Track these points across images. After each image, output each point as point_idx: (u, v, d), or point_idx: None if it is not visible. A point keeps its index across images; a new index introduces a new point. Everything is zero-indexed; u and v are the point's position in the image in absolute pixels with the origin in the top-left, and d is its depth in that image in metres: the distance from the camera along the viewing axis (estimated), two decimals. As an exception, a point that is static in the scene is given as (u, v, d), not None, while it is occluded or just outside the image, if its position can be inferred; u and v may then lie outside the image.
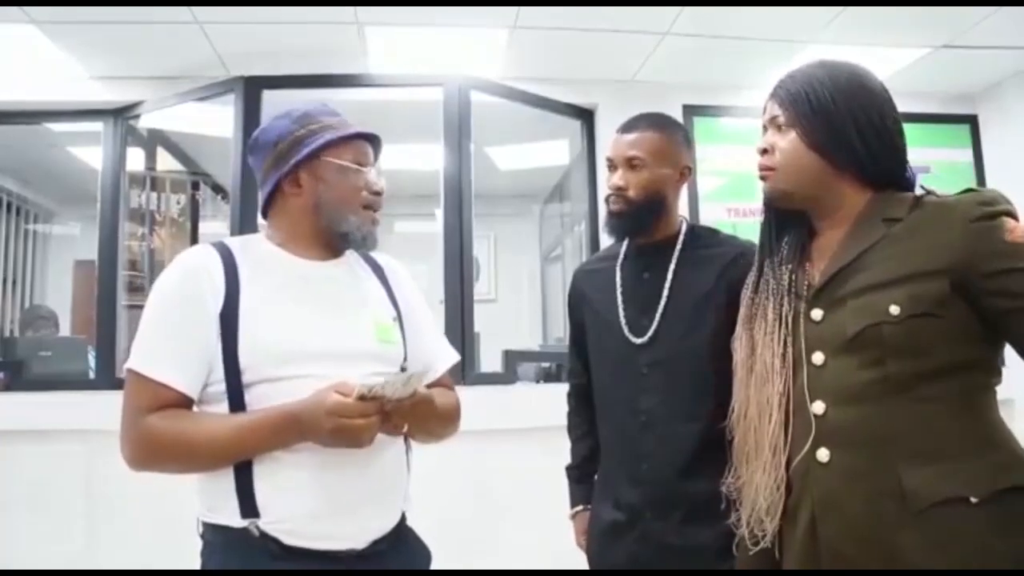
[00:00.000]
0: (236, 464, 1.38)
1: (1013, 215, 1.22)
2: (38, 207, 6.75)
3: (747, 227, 4.18)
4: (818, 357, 1.28)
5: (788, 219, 1.44)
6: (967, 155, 4.44)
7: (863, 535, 1.20)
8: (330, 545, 1.40)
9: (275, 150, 1.54)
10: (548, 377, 4.05)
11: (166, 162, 4.93)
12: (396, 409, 1.38)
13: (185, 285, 1.45)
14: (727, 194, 4.35)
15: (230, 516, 1.38)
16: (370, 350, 1.52)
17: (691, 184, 4.18)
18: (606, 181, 1.94)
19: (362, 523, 1.45)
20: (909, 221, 1.26)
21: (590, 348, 2.00)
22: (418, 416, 1.45)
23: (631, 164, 1.87)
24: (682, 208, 2.02)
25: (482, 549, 3.19)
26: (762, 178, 1.41)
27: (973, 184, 4.20)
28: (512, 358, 3.83)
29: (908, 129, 1.38)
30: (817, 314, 1.31)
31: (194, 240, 5.09)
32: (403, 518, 1.57)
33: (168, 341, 1.43)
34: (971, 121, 4.53)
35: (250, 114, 3.76)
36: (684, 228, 1.94)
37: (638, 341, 1.85)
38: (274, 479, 1.38)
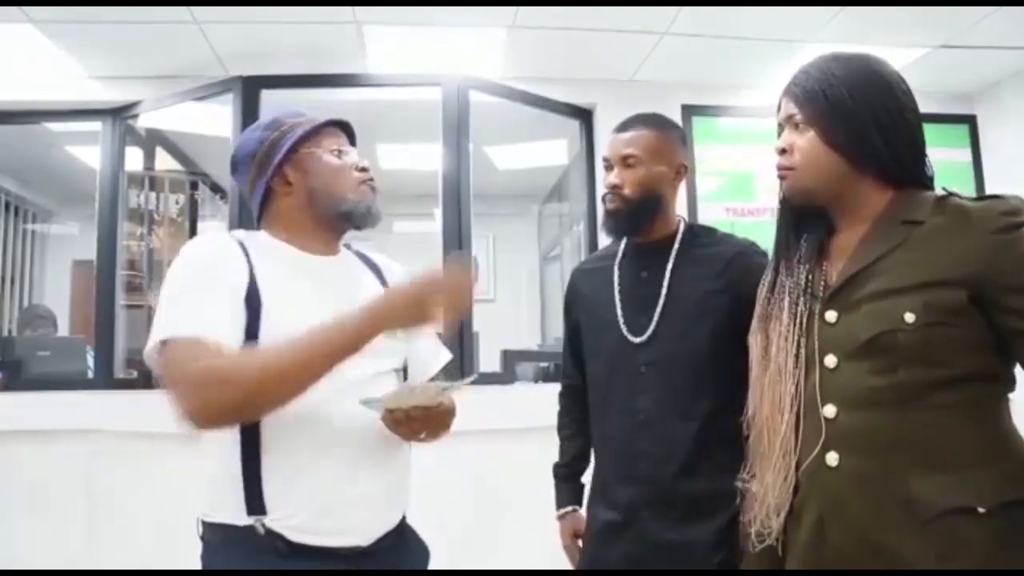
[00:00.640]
0: (244, 460, 1.37)
1: None
2: (37, 207, 6.75)
3: (746, 227, 4.18)
4: (831, 360, 1.27)
5: (806, 217, 1.41)
6: (966, 155, 4.44)
7: (869, 541, 1.19)
8: (335, 542, 1.41)
9: (255, 160, 1.57)
10: (547, 377, 4.05)
11: (165, 162, 4.93)
12: (419, 416, 1.40)
13: (214, 254, 1.44)
14: (726, 194, 4.36)
15: (235, 513, 1.38)
16: (377, 344, 1.53)
17: (689, 184, 4.19)
18: (603, 181, 1.94)
19: (369, 520, 1.46)
20: (929, 225, 1.23)
21: (587, 348, 2.00)
22: (438, 425, 1.48)
23: (626, 162, 1.87)
24: (680, 208, 2.03)
25: (481, 548, 3.18)
26: (781, 178, 1.38)
27: (971, 184, 4.22)
28: (511, 358, 3.83)
29: (907, 129, 1.37)
30: (832, 316, 1.29)
31: (192, 240, 5.08)
32: (403, 516, 1.58)
33: (200, 302, 1.36)
34: (970, 121, 4.53)
35: (249, 114, 3.76)
36: (682, 227, 1.95)
37: (636, 340, 1.85)
38: (283, 475, 1.38)
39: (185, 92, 3.94)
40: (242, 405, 1.29)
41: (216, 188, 5.39)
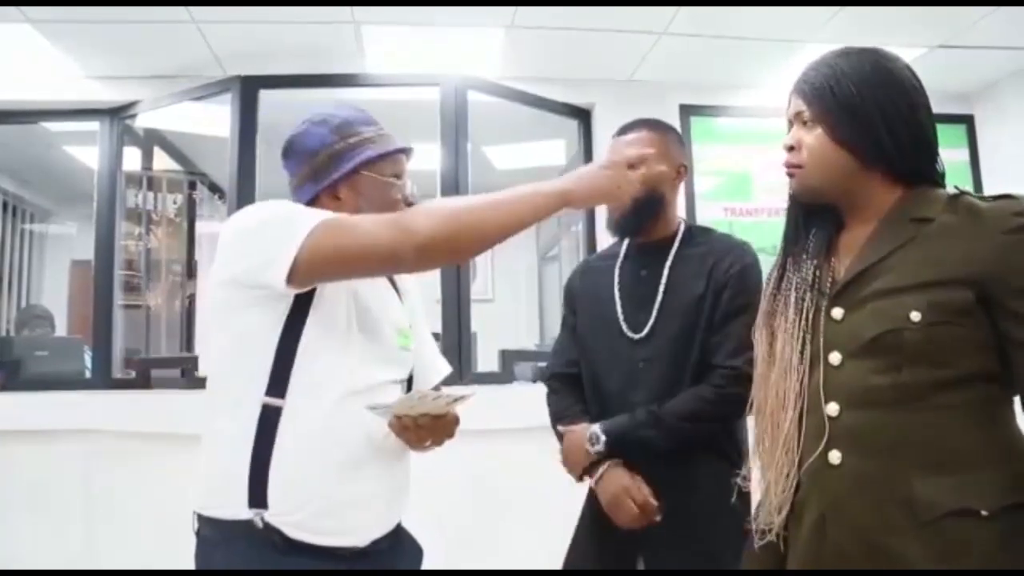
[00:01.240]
0: (254, 450, 1.37)
1: None
2: (35, 207, 6.74)
3: (744, 226, 4.19)
4: (835, 357, 1.25)
5: (814, 214, 1.39)
6: (963, 155, 4.46)
7: (869, 541, 1.18)
8: (334, 541, 1.41)
9: (313, 161, 1.55)
10: (545, 377, 4.05)
11: (163, 162, 4.93)
12: (426, 424, 1.42)
13: (285, 203, 1.46)
14: (724, 194, 4.36)
15: (236, 506, 1.37)
16: (392, 356, 1.56)
17: (688, 184, 4.19)
18: None
19: (369, 522, 1.47)
20: (939, 223, 1.22)
21: (586, 343, 2.02)
22: (443, 433, 1.49)
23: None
24: (679, 208, 2.05)
25: (479, 548, 3.19)
26: (789, 175, 1.37)
27: (969, 184, 4.23)
28: (509, 358, 3.83)
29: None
30: (838, 313, 1.27)
31: (191, 240, 5.09)
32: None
33: (310, 211, 1.41)
34: (967, 121, 4.54)
35: (247, 114, 3.76)
36: (682, 228, 1.99)
37: (635, 336, 1.90)
38: (290, 473, 1.38)
39: (183, 92, 3.94)
40: (449, 233, 1.35)
41: (214, 188, 5.39)
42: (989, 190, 1.39)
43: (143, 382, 3.75)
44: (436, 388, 1.71)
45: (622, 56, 4.01)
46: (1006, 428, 1.21)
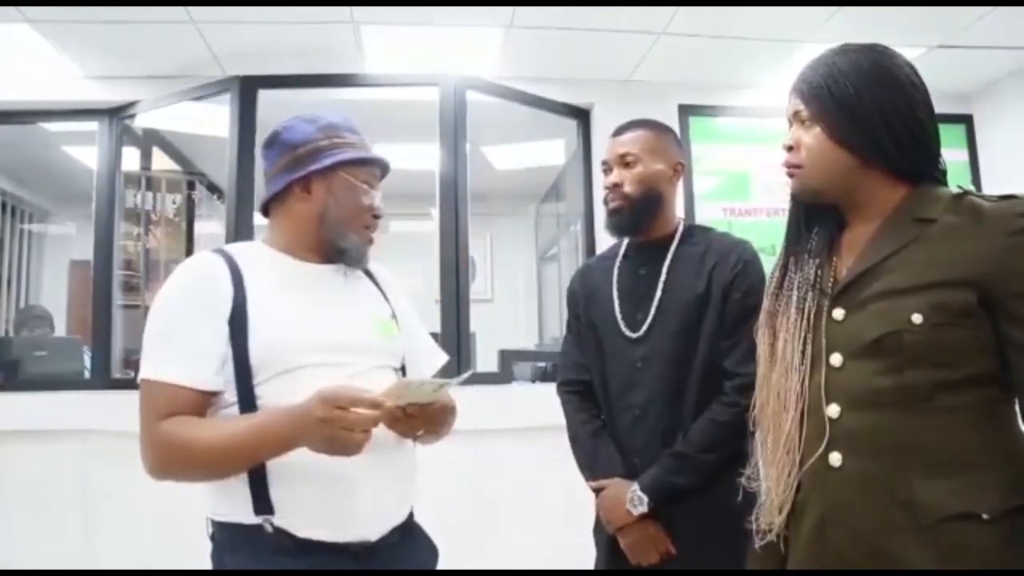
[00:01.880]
0: None
1: None
2: (34, 207, 6.74)
3: (743, 226, 4.19)
4: (836, 358, 1.25)
5: (817, 213, 1.38)
6: (963, 155, 4.46)
7: (870, 544, 1.18)
8: (343, 537, 1.42)
9: (293, 152, 1.57)
10: (544, 377, 4.05)
11: (162, 162, 4.93)
12: (415, 413, 1.42)
13: (192, 288, 1.48)
14: (723, 194, 4.36)
15: (243, 513, 1.39)
16: (373, 344, 1.57)
17: (687, 183, 4.20)
18: (603, 184, 1.98)
19: (375, 513, 1.47)
20: (942, 223, 1.21)
21: (589, 345, 2.02)
22: (436, 423, 1.49)
23: (624, 161, 1.93)
24: (678, 208, 2.05)
25: (478, 548, 3.18)
26: (789, 175, 1.36)
27: (968, 184, 4.23)
28: (508, 358, 3.83)
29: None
30: (839, 314, 1.26)
31: (190, 240, 5.09)
32: (411, 512, 1.59)
33: (177, 341, 1.43)
34: (966, 121, 4.54)
35: (246, 114, 3.76)
36: (680, 227, 1.99)
37: (633, 335, 1.90)
38: (288, 474, 1.39)
39: (182, 92, 3.94)
40: (177, 475, 1.41)
41: (213, 188, 5.39)
42: (988, 190, 1.38)
43: (142, 382, 3.74)
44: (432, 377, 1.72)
45: (621, 56, 4.01)
46: (1007, 430, 1.20)
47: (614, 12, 3.50)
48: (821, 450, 1.23)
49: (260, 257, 1.55)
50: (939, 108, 1.31)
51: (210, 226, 5.21)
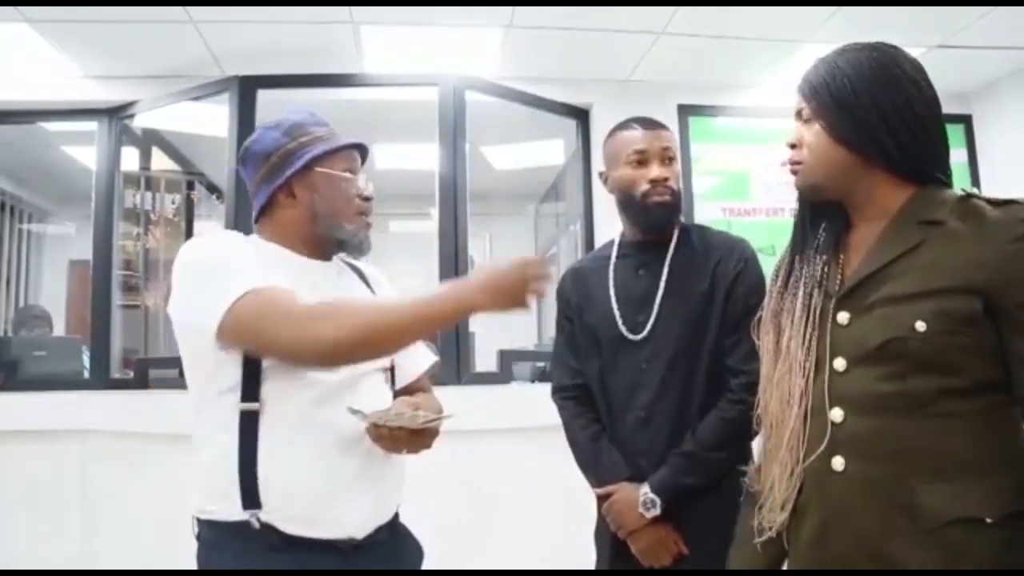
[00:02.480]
0: (241, 453, 1.39)
1: None
2: (33, 207, 6.74)
3: (742, 226, 4.19)
4: (840, 363, 1.24)
5: (823, 211, 1.37)
6: (962, 155, 4.45)
7: (872, 548, 1.17)
8: (330, 533, 1.42)
9: (267, 163, 1.57)
10: (543, 377, 4.04)
11: (161, 162, 4.93)
12: (401, 436, 1.42)
13: (234, 241, 1.52)
14: (722, 193, 4.36)
15: (231, 508, 1.39)
16: None
17: (686, 183, 4.20)
18: (629, 176, 1.90)
19: (362, 511, 1.47)
20: (948, 227, 1.19)
21: (585, 347, 2.00)
22: (418, 445, 1.49)
23: (668, 156, 1.90)
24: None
25: (477, 548, 3.19)
26: (792, 172, 1.35)
27: (967, 184, 4.23)
28: (507, 358, 3.83)
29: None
30: (843, 317, 1.25)
31: (189, 239, 5.09)
32: (397, 511, 1.60)
33: (252, 267, 1.41)
34: (966, 121, 4.55)
35: (245, 113, 3.76)
36: (677, 227, 1.96)
37: (635, 337, 1.88)
38: (278, 470, 1.39)
39: (181, 92, 3.94)
40: (360, 340, 1.33)
41: (212, 188, 5.39)
42: (987, 190, 1.38)
43: (141, 382, 3.74)
44: (419, 383, 1.74)
45: (620, 56, 4.01)
46: (1011, 435, 1.19)
47: (613, 12, 3.50)
48: (823, 453, 1.23)
49: (263, 248, 1.56)
50: (938, 108, 1.30)
51: (209, 226, 5.21)
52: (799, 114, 1.34)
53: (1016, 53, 3.99)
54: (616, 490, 1.85)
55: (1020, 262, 1.13)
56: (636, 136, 1.91)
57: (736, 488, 1.70)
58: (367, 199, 1.62)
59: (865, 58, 1.29)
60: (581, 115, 4.37)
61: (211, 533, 1.43)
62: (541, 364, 4.11)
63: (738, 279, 1.83)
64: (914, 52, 1.32)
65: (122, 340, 4.11)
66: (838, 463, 1.21)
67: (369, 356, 1.42)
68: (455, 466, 2.86)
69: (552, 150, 5.34)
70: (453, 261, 3.71)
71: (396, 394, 1.63)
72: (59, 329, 5.50)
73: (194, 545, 1.47)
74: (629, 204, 1.92)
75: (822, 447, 1.23)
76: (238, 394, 1.41)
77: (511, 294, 1.37)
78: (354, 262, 1.73)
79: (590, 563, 2.01)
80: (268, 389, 1.41)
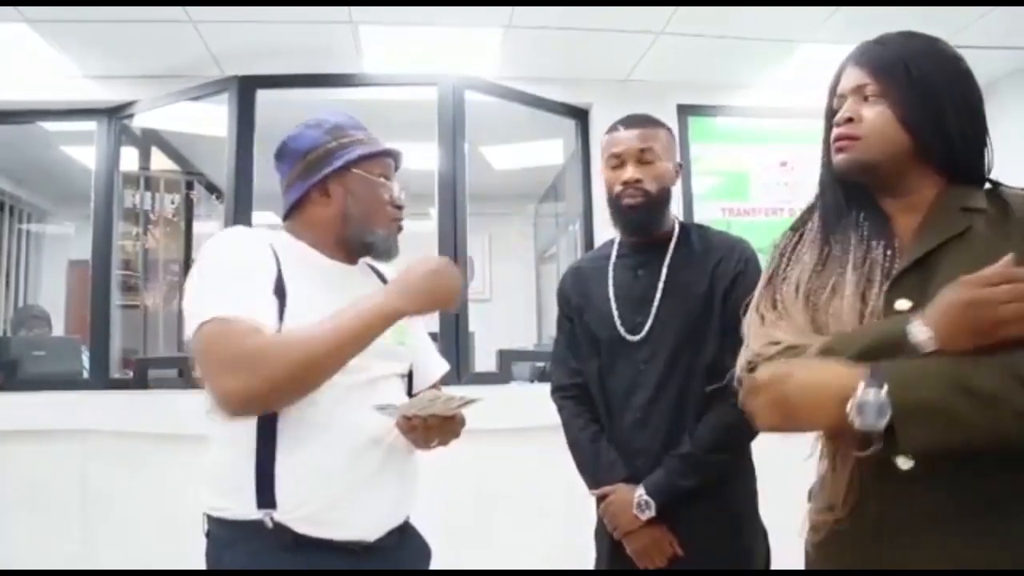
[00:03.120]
0: (259, 452, 1.39)
1: None
2: (32, 206, 6.74)
3: (742, 226, 4.19)
4: None
5: (855, 196, 1.29)
6: (961, 154, 4.46)
7: (943, 551, 1.09)
8: (342, 535, 1.42)
9: (305, 160, 1.57)
10: (543, 376, 4.04)
11: (160, 162, 4.93)
12: (434, 425, 1.44)
13: (248, 244, 1.49)
14: (722, 193, 4.37)
15: (245, 507, 1.39)
16: (389, 349, 1.56)
17: (685, 183, 4.20)
18: (609, 179, 1.92)
19: (376, 514, 1.48)
20: (991, 215, 1.16)
21: (585, 347, 1.99)
22: (449, 434, 1.51)
23: (644, 158, 1.88)
24: (676, 207, 2.03)
25: (477, 548, 3.18)
26: (840, 149, 1.26)
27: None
28: (507, 358, 3.83)
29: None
30: (903, 304, 1.15)
31: (188, 240, 5.10)
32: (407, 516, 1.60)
33: (240, 286, 1.39)
34: (965, 120, 4.55)
35: (244, 113, 3.76)
36: (677, 226, 1.97)
37: (633, 338, 1.87)
38: (296, 471, 1.39)
39: (181, 92, 3.93)
40: (280, 387, 1.33)
41: (212, 188, 5.39)
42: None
43: (140, 382, 3.74)
44: (435, 386, 1.73)
45: (620, 56, 4.01)
46: None
47: (613, 12, 3.50)
48: (886, 451, 1.11)
49: (290, 246, 1.55)
50: (938, 107, 1.28)
51: (209, 226, 5.21)
52: (859, 89, 1.27)
53: (1015, 53, 4.00)
54: (612, 491, 1.85)
55: None
56: (614, 138, 1.92)
57: (733, 490, 1.70)
58: (399, 207, 1.63)
59: (935, 46, 1.26)
60: (580, 115, 4.37)
61: (222, 530, 1.43)
62: (540, 364, 4.11)
63: (737, 280, 1.81)
64: (914, 52, 1.30)
65: (121, 340, 4.11)
66: (903, 462, 1.11)
67: (300, 395, 1.37)
68: (454, 466, 2.86)
69: (551, 150, 5.34)
70: (452, 261, 3.70)
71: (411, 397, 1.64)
72: (58, 329, 5.50)
73: (194, 544, 1.46)
74: (609, 206, 1.94)
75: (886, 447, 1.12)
76: None
77: (431, 294, 1.41)
78: (374, 263, 1.72)
79: (590, 563, 2.01)
80: None
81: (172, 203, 5.03)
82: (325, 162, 1.56)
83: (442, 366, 1.81)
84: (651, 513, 1.77)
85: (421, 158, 4.00)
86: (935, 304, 1.07)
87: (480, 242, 6.74)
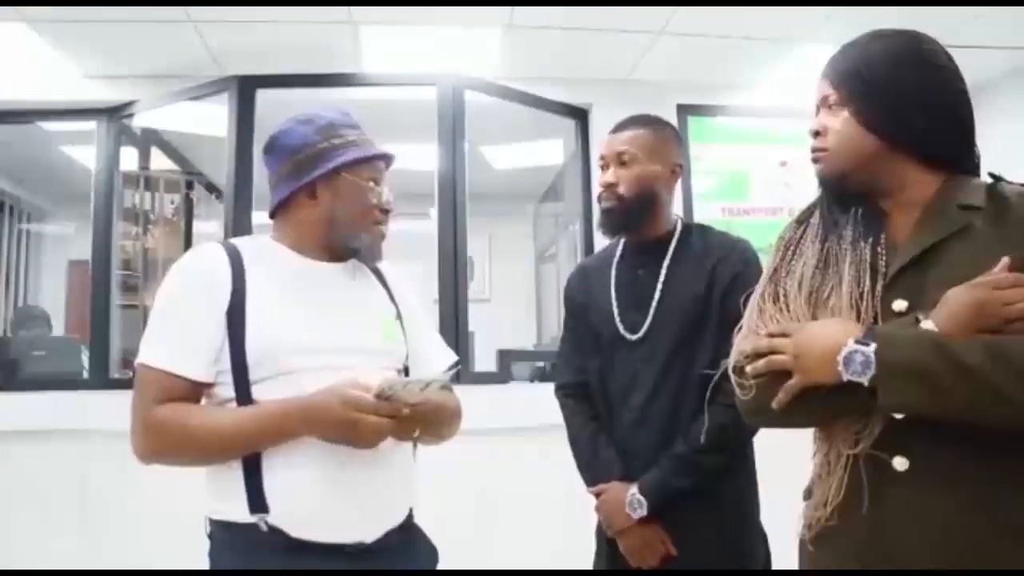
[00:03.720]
0: (245, 458, 1.40)
1: None
2: (32, 206, 6.73)
3: (742, 226, 4.19)
4: None
5: (847, 202, 1.31)
6: (960, 154, 4.45)
7: (944, 549, 1.09)
8: (338, 537, 1.41)
9: (294, 158, 1.55)
10: (543, 376, 4.05)
11: (160, 162, 4.93)
12: (411, 414, 1.40)
13: (191, 280, 1.49)
14: (722, 193, 4.36)
15: (238, 511, 1.39)
16: (376, 347, 1.56)
17: (685, 183, 4.19)
18: (598, 181, 1.96)
19: (371, 515, 1.47)
20: (989, 212, 1.16)
21: (588, 346, 2.00)
22: (430, 422, 1.49)
23: (621, 160, 1.90)
24: (676, 207, 2.03)
25: (477, 548, 3.18)
26: (815, 160, 1.31)
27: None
28: (507, 357, 3.83)
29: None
30: (900, 305, 1.16)
31: (188, 239, 5.09)
32: (411, 514, 1.58)
33: (174, 331, 1.45)
34: (964, 120, 4.54)
35: (244, 113, 3.75)
36: (679, 227, 1.97)
37: (632, 337, 1.88)
38: (283, 471, 1.39)
39: (180, 92, 3.93)
40: (167, 457, 1.46)
41: (211, 188, 5.39)
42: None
43: (140, 382, 3.73)
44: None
45: (620, 55, 4.01)
46: None
47: (613, 11, 3.49)
48: (883, 449, 1.14)
49: (267, 252, 1.55)
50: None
51: (208, 226, 5.21)
52: (824, 100, 1.30)
53: (1014, 53, 4.00)
54: (607, 489, 1.86)
55: None
56: (604, 141, 1.96)
57: (728, 491, 1.70)
58: (386, 211, 1.60)
59: (896, 44, 1.28)
60: (580, 115, 4.36)
61: (222, 533, 1.44)
62: (540, 364, 4.12)
63: (737, 280, 1.79)
64: (913, 51, 1.30)
65: (121, 340, 4.11)
66: (900, 463, 1.13)
67: (185, 466, 1.47)
68: (454, 466, 2.86)
69: (551, 150, 5.34)
70: (452, 261, 3.71)
71: None
72: (58, 329, 5.50)
73: (194, 544, 1.47)
74: None
75: (883, 445, 1.14)
76: (233, 404, 1.44)
77: (344, 433, 1.36)
78: None
79: (590, 563, 2.01)
80: (260, 395, 1.42)
81: (172, 203, 5.03)
82: (315, 165, 1.53)
83: (446, 357, 1.76)
84: (643, 512, 1.77)
85: (421, 158, 4.00)
86: (944, 306, 1.09)
87: (480, 242, 6.71)
